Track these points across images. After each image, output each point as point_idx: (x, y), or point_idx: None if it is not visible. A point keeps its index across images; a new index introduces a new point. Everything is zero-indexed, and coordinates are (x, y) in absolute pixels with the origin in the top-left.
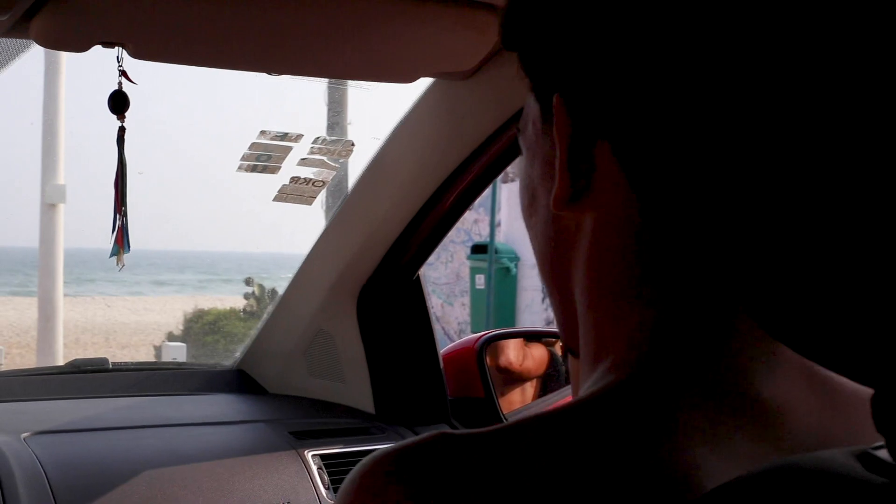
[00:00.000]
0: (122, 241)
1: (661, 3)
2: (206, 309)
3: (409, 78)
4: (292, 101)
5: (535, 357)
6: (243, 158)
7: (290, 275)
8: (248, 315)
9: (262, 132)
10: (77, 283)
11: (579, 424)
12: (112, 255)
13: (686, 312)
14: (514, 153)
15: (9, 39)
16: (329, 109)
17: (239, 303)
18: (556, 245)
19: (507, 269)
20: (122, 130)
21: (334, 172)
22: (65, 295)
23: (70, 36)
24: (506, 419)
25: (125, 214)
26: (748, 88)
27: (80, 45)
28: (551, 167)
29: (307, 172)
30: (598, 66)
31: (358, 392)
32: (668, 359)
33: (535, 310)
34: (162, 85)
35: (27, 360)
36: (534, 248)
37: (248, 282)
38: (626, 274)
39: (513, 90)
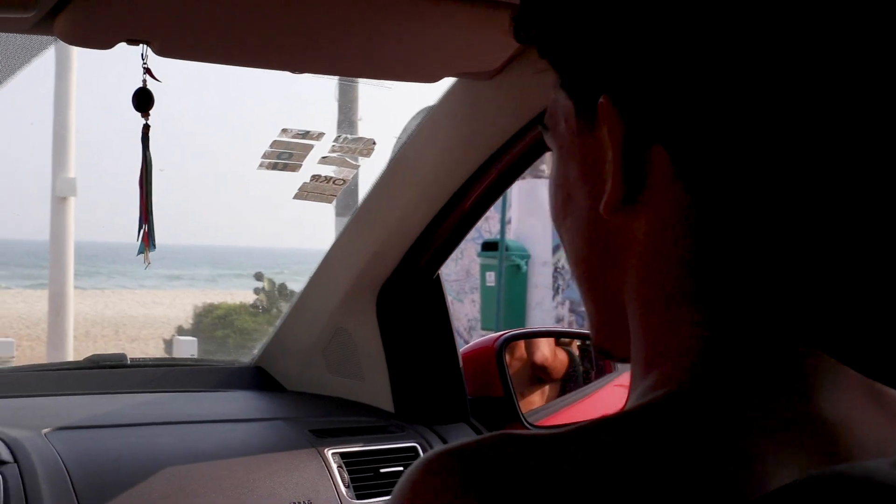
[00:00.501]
0: (147, 239)
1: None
2: (216, 303)
3: (433, 77)
4: (304, 97)
5: (559, 357)
6: (265, 156)
7: (300, 269)
8: (259, 310)
9: (284, 130)
10: (87, 276)
11: (644, 431)
12: (139, 252)
13: (745, 323)
14: (536, 154)
15: (29, 37)
16: (340, 106)
17: (249, 298)
18: (598, 248)
19: (518, 267)
20: (146, 128)
21: (355, 171)
22: (75, 288)
23: (95, 33)
24: (525, 419)
25: (151, 212)
26: (825, 86)
27: (105, 43)
28: (593, 169)
29: (328, 170)
30: (654, 66)
31: (377, 390)
32: (727, 370)
33: (545, 307)
34: (173, 80)
35: (37, 352)
36: (567, 250)
37: (258, 277)
38: (682, 282)
39: (536, 91)
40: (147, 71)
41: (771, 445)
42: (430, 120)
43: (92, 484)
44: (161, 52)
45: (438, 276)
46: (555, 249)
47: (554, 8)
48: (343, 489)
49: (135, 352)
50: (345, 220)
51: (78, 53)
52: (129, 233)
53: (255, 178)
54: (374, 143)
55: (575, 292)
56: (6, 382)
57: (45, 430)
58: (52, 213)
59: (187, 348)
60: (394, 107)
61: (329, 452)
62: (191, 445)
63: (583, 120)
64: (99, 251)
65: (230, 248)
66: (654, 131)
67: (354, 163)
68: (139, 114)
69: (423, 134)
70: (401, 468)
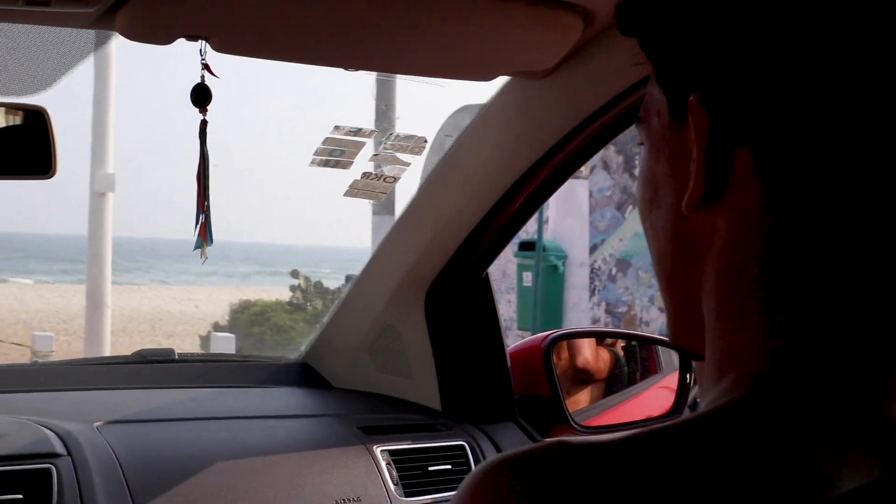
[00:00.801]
0: (205, 233)
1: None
2: (252, 300)
3: (488, 76)
4: (320, 92)
5: (603, 359)
6: (316, 153)
7: (337, 267)
8: (295, 307)
9: (336, 127)
10: (124, 272)
11: (708, 437)
12: (196, 248)
13: (818, 329)
14: (587, 155)
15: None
16: (377, 104)
17: (285, 295)
18: (681, 246)
19: (555, 267)
20: (203, 124)
21: (406, 169)
22: (112, 283)
23: (155, 29)
24: (573, 419)
25: (208, 208)
26: None
27: (165, 38)
28: (680, 164)
29: (379, 168)
30: (745, 68)
31: (424, 388)
32: (797, 377)
33: (582, 308)
34: (191, 79)
35: (75, 347)
36: (651, 245)
37: (294, 274)
38: (757, 285)
39: (588, 92)
40: (205, 67)
41: (839, 453)
42: (481, 118)
43: (144, 477)
44: (219, 48)
45: (487, 275)
46: (592, 250)
47: (655, 2)
48: (392, 486)
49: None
50: (382, 218)
51: (116, 51)
52: (166, 229)
53: (272, 175)
54: (426, 142)
55: (611, 293)
56: (57, 376)
57: (97, 424)
58: (90, 209)
59: (224, 345)
60: (432, 103)
61: (378, 450)
62: (241, 441)
63: (675, 116)
64: (135, 247)
65: (265, 245)
66: (740, 132)
67: (405, 160)
68: (196, 109)
69: (475, 132)
70: (448, 466)
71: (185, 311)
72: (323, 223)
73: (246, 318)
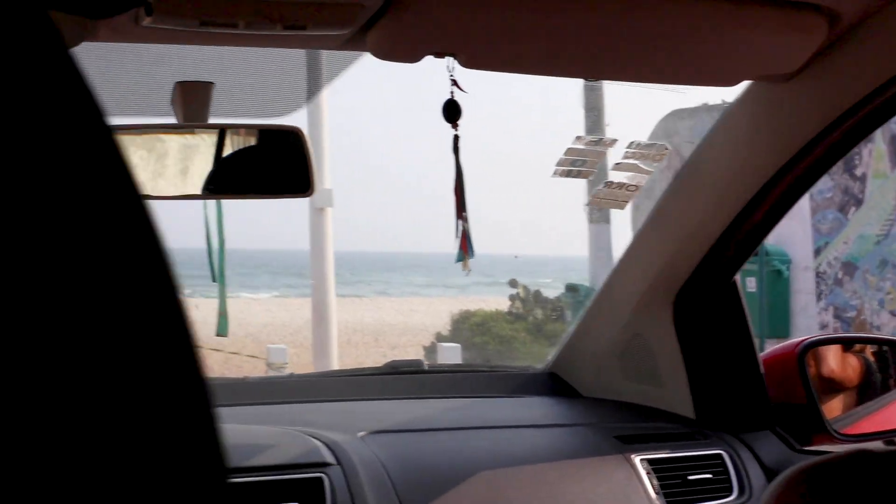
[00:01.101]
0: (465, 245)
1: None
2: (472, 310)
3: (732, 81)
4: (540, 105)
5: (851, 365)
6: (559, 164)
7: (557, 277)
8: (515, 317)
9: (578, 138)
10: (345, 285)
11: None
12: (458, 260)
13: None
14: (835, 157)
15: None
16: (586, 111)
17: (503, 304)
18: None
19: (779, 272)
20: (456, 139)
21: (647, 177)
22: (336, 295)
23: (404, 47)
24: (831, 427)
25: (466, 220)
26: None
27: (413, 56)
28: None
29: (621, 177)
30: None
31: (676, 396)
32: None
33: (809, 313)
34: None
35: (303, 359)
36: None
37: (512, 284)
38: None
39: (836, 93)
40: (454, 83)
41: None
42: (723, 123)
43: (412, 486)
44: (467, 64)
45: (735, 282)
46: (815, 253)
47: None
48: (654, 496)
49: (397, 358)
50: (599, 227)
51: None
52: (384, 242)
53: (488, 185)
54: (667, 149)
55: (839, 297)
56: (314, 387)
57: (361, 434)
58: (310, 224)
59: (451, 355)
60: (640, 108)
61: (637, 459)
62: (501, 450)
63: None
64: (356, 260)
65: (482, 256)
66: None
67: (647, 169)
68: (449, 124)
69: (717, 137)
70: (709, 475)
71: (407, 323)
72: (539, 232)
73: (467, 328)
